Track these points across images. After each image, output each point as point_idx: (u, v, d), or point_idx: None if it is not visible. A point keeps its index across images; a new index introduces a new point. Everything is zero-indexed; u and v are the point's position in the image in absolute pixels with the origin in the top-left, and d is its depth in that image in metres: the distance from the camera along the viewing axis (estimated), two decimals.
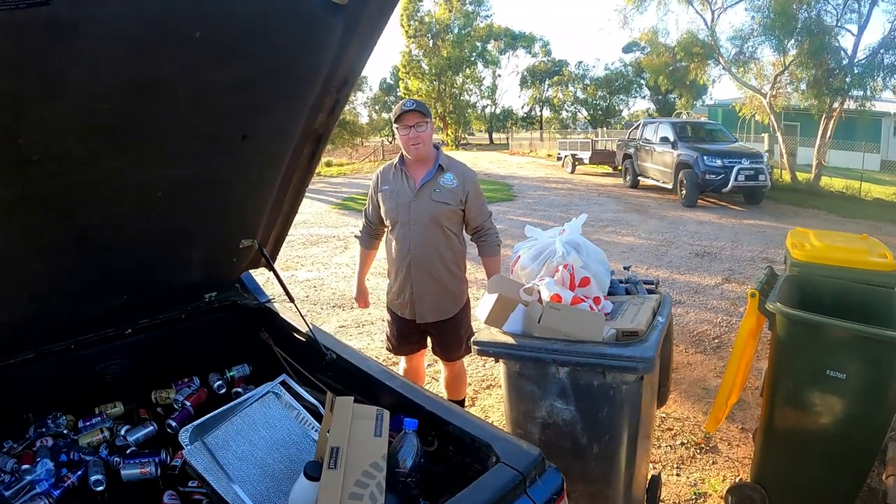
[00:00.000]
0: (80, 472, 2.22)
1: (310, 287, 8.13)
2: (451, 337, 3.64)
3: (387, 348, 3.96)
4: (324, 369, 2.59)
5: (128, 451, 2.37)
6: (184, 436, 2.24)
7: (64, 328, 2.46)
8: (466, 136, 55.33)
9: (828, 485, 2.98)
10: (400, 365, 4.13)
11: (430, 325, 3.60)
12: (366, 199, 3.68)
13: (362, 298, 3.89)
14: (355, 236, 3.83)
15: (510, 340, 2.49)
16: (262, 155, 2.26)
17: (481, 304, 2.62)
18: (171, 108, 1.77)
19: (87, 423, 2.49)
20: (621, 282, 3.00)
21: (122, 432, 2.46)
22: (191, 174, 2.11)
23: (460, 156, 37.02)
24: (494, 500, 1.65)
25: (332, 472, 1.78)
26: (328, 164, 34.33)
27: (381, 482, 1.79)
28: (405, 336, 3.75)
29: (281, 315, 2.88)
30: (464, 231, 3.58)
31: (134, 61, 1.55)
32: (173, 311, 2.81)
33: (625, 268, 3.19)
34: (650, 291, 2.97)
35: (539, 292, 2.52)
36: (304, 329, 2.66)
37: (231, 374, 2.87)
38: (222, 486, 2.08)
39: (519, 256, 2.83)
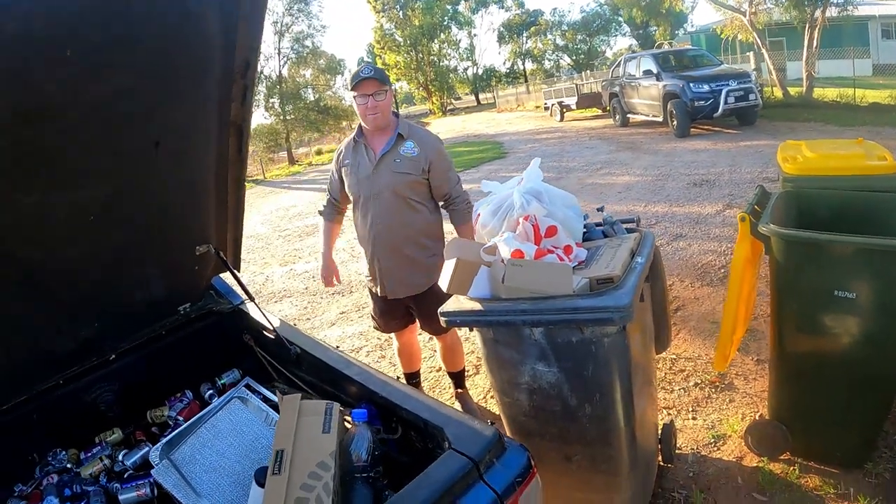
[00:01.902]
0: None
1: (308, 278, 8.05)
2: (432, 310, 3.39)
3: (374, 327, 3.85)
4: (297, 364, 2.55)
5: (125, 476, 2.32)
6: (153, 455, 2.21)
7: (45, 367, 2.42)
8: (453, 101, 54.76)
9: (852, 413, 2.77)
10: (393, 343, 4.01)
11: (407, 299, 3.46)
12: None
13: (329, 274, 3.67)
14: (318, 212, 3.65)
15: (476, 306, 2.27)
16: (182, 158, 2.20)
17: (442, 273, 2.40)
18: (67, 130, 1.71)
19: (89, 454, 2.45)
20: (598, 225, 2.75)
21: (121, 457, 2.42)
22: (115, 192, 2.05)
23: (448, 121, 37.08)
24: (442, 493, 1.49)
25: (276, 477, 1.66)
26: (318, 153, 34.18)
27: (328, 483, 1.66)
28: (387, 313, 3.62)
29: (252, 315, 2.82)
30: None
31: (11, 89, 1.50)
32: (151, 330, 2.73)
33: (598, 209, 2.92)
34: (631, 231, 2.72)
35: (499, 250, 2.28)
36: (272, 326, 2.62)
37: (222, 381, 2.79)
38: (191, 502, 2.03)
39: (479, 215, 2.59)
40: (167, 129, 2.01)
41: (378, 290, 3.47)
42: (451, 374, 4.05)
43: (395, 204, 3.20)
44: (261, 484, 1.69)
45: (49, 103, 1.60)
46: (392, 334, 3.91)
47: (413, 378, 4.13)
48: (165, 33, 1.73)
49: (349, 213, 3.59)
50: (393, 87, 3.28)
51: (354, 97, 3.12)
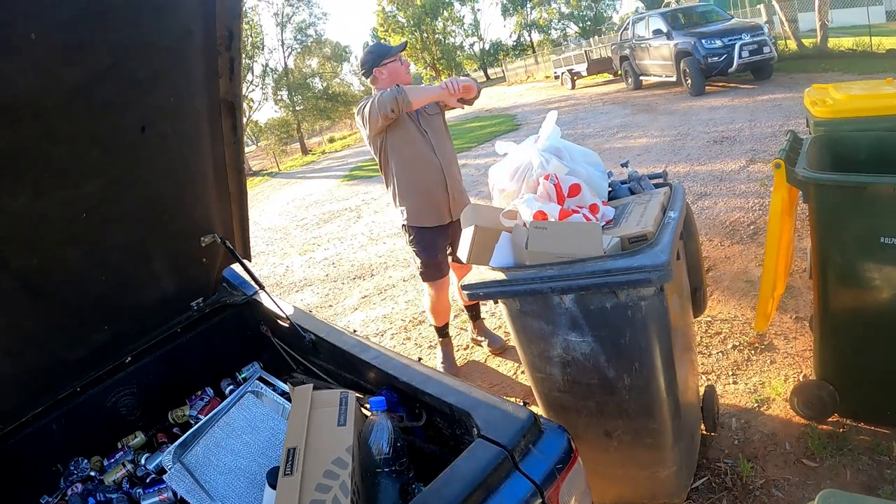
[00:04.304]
0: None
1: (328, 265, 8.05)
2: None
3: (431, 278, 3.89)
4: (315, 353, 2.45)
5: (147, 480, 2.26)
6: (166, 459, 2.08)
7: (60, 375, 2.37)
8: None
9: None
10: (426, 300, 4.08)
11: (455, 224, 3.72)
12: (368, 165, 3.64)
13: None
14: (395, 99, 3.27)
15: (499, 276, 2.11)
16: (172, 142, 2.04)
17: (461, 243, 2.24)
18: (42, 121, 1.57)
19: (112, 460, 2.44)
20: (623, 182, 2.57)
21: (143, 461, 2.37)
22: (106, 185, 1.92)
23: None
24: (473, 488, 1.33)
25: (288, 479, 1.51)
26: (331, 140, 34.24)
27: (345, 481, 1.50)
28: (442, 248, 3.86)
29: (267, 305, 2.71)
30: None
31: None
32: (165, 328, 2.67)
33: (622, 165, 2.74)
34: (659, 186, 2.54)
35: (520, 214, 2.10)
36: (286, 315, 2.53)
37: (242, 375, 2.71)
38: None
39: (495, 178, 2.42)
40: (152, 112, 1.88)
41: (444, 217, 3.74)
42: (469, 307, 4.46)
43: (443, 134, 3.76)
44: (273, 486, 1.56)
45: (20, 95, 1.46)
46: (432, 290, 3.98)
47: (445, 328, 4.28)
48: (138, 3, 1.59)
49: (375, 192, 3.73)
50: None
51: (388, 63, 3.63)
